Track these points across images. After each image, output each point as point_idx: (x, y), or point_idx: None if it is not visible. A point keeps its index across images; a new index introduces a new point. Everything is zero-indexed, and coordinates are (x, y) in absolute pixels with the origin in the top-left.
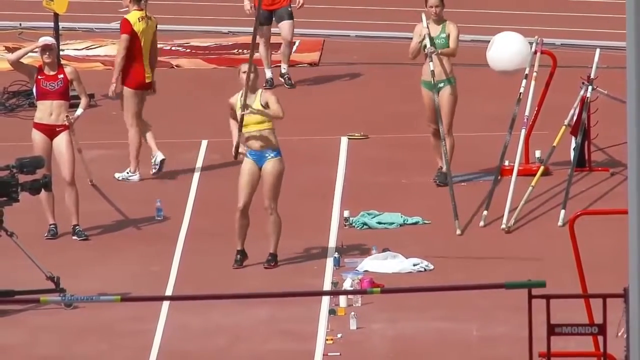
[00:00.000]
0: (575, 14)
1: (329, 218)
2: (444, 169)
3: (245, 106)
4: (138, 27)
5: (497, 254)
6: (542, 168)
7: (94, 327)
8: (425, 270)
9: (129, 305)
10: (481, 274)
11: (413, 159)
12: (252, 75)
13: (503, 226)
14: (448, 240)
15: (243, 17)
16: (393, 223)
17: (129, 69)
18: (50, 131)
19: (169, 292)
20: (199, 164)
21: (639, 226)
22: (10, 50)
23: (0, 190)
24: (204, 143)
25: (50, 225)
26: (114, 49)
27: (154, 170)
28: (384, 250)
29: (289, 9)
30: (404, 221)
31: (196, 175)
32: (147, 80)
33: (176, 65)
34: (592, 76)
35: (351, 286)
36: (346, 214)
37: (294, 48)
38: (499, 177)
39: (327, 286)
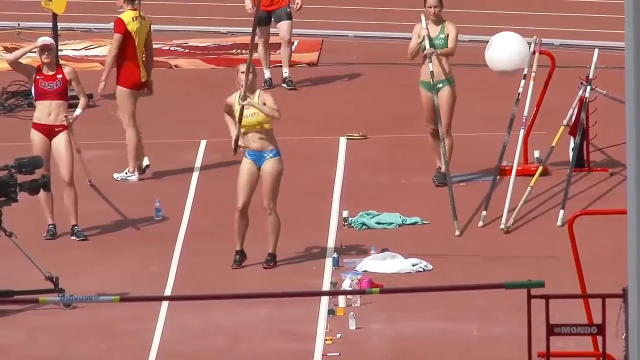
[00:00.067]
0: (573, 14)
1: (328, 218)
2: (443, 169)
3: (245, 97)
4: (132, 26)
5: (496, 254)
6: (540, 168)
7: (93, 327)
8: (424, 270)
9: (128, 306)
10: (480, 274)
11: (412, 159)
12: (250, 75)
13: (502, 226)
14: (447, 240)
15: (242, 17)
16: (392, 223)
17: (123, 69)
18: (49, 131)
19: (168, 292)
20: (198, 164)
21: (638, 226)
22: (8, 50)
23: None
24: (203, 143)
25: (49, 225)
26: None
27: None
28: (382, 251)
29: (288, 9)
30: (402, 221)
31: (195, 176)
32: (143, 80)
33: (175, 66)
34: (590, 76)
35: (350, 286)
36: (345, 214)
37: (293, 48)
38: (498, 177)
39: (326, 286)
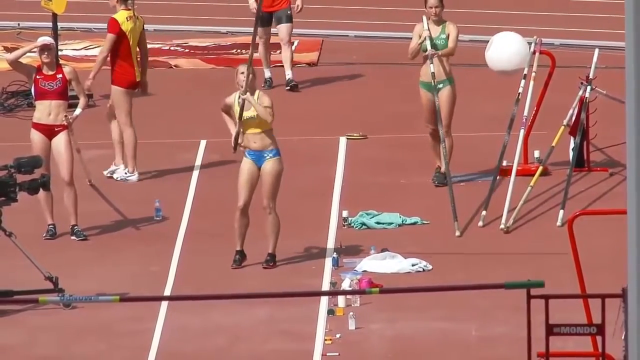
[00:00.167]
0: (574, 14)
1: (328, 218)
2: (443, 169)
3: (245, 90)
4: (126, 26)
5: (496, 254)
6: (540, 168)
7: (92, 327)
8: (424, 270)
9: (127, 306)
10: (480, 274)
11: (412, 159)
12: (250, 76)
13: (502, 226)
14: (447, 240)
15: (242, 17)
16: (392, 223)
17: (118, 69)
18: (49, 131)
19: (167, 292)
20: (198, 164)
21: (638, 226)
22: (8, 50)
23: None
24: (203, 143)
25: (48, 225)
26: None
27: (106, 172)
28: (382, 251)
29: (288, 11)
30: (402, 221)
31: (195, 175)
32: (137, 79)
33: (175, 65)
34: (590, 76)
35: (350, 286)
36: (345, 214)
37: (293, 49)
38: (498, 177)
39: (325, 286)
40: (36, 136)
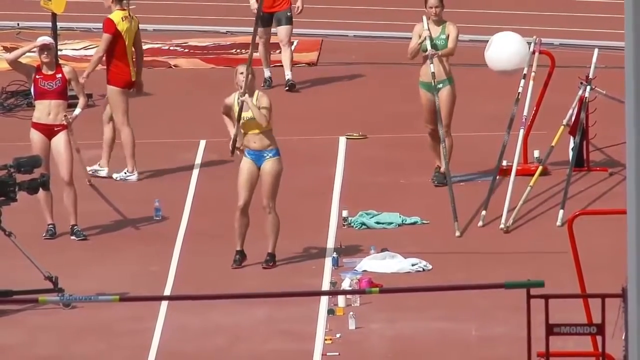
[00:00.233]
0: (573, 14)
1: (328, 218)
2: (443, 169)
3: (244, 92)
4: (122, 26)
5: (496, 253)
6: (540, 168)
7: (92, 327)
8: (423, 270)
9: (127, 305)
10: (480, 273)
11: (411, 158)
12: (249, 76)
13: (502, 226)
14: (447, 240)
15: (241, 17)
16: (391, 223)
17: (114, 69)
18: (49, 131)
19: (167, 292)
20: (198, 163)
21: (638, 226)
22: (8, 50)
23: None
24: (202, 143)
25: (48, 225)
26: None
27: (89, 168)
28: (382, 250)
29: (288, 13)
30: (402, 221)
31: (194, 175)
32: (133, 79)
33: (174, 65)
34: (590, 76)
35: (350, 286)
36: (345, 213)
37: (292, 48)
38: (498, 177)
39: (325, 286)
40: (36, 136)
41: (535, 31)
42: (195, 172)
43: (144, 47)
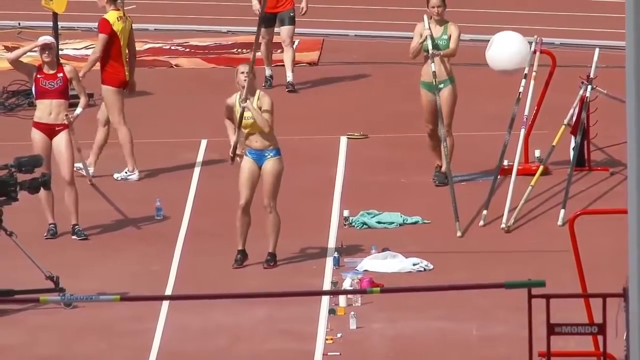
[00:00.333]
0: (574, 14)
1: (329, 217)
2: (443, 169)
3: (246, 97)
4: (117, 26)
5: (497, 253)
6: (541, 167)
7: (93, 327)
8: (424, 270)
9: (128, 305)
10: (481, 273)
11: (412, 158)
12: (250, 76)
13: (503, 225)
14: (448, 239)
15: (242, 17)
16: (393, 222)
17: (109, 68)
18: (50, 130)
19: (168, 291)
20: (199, 163)
21: (639, 226)
22: (9, 49)
23: None
24: (204, 142)
25: (49, 224)
26: None
27: (76, 164)
28: (383, 250)
29: (291, 13)
30: (403, 221)
31: (196, 175)
32: (127, 79)
33: (175, 65)
34: (591, 75)
35: (351, 286)
36: (346, 213)
37: (294, 48)
38: (499, 177)
39: (326, 286)
40: (37, 135)
41: (536, 31)
42: (197, 172)
43: (145, 46)
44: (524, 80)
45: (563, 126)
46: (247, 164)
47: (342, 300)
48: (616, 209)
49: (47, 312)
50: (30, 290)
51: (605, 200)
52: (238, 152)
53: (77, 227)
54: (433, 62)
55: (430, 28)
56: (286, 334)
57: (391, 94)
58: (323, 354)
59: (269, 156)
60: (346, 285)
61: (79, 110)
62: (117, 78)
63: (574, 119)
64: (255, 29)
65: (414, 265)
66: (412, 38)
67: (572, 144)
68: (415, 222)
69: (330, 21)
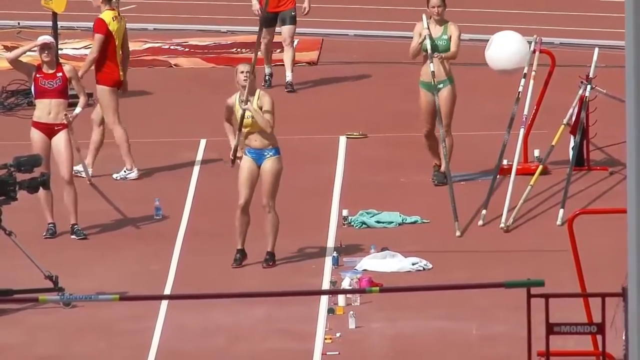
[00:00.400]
0: (574, 13)
1: (328, 217)
2: (442, 169)
3: (247, 100)
4: (113, 26)
5: (496, 252)
6: (540, 167)
7: (92, 326)
8: (424, 269)
9: (127, 305)
10: (480, 273)
11: (412, 158)
12: (249, 75)
13: (502, 225)
14: (447, 239)
15: (242, 17)
16: (392, 222)
17: (104, 68)
18: (49, 130)
19: (167, 291)
20: (198, 163)
21: (638, 225)
22: (8, 49)
23: None
24: (203, 142)
25: (48, 224)
26: None
27: (75, 167)
28: (382, 249)
29: (293, 13)
30: (402, 220)
31: (195, 174)
32: (122, 79)
33: (175, 64)
34: (590, 75)
35: (350, 285)
36: (345, 213)
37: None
38: (498, 176)
39: (325, 285)
40: (36, 135)
41: (536, 30)
42: (196, 171)
43: (144, 46)
44: (523, 80)
45: (562, 126)
46: (246, 163)
47: (341, 299)
48: (615, 208)
49: (46, 312)
50: (29, 289)
51: (605, 199)
52: (238, 154)
53: (76, 226)
54: (432, 62)
55: (429, 28)
56: (285, 334)
57: (390, 93)
58: (322, 354)
59: (268, 155)
60: (345, 284)
61: (78, 109)
62: (112, 78)
63: (574, 118)
64: (255, 28)
65: (413, 264)
66: (411, 38)
67: (572, 144)
68: (415, 222)
69: (329, 21)
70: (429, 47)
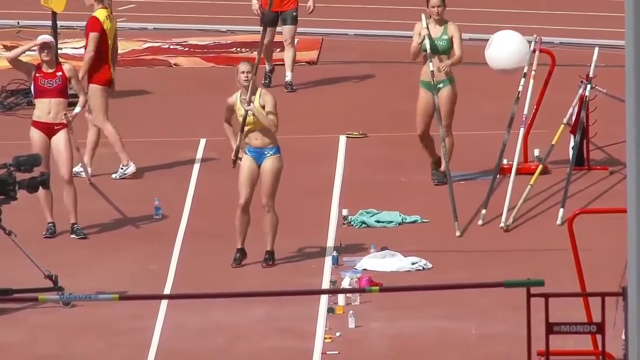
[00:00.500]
0: (573, 13)
1: (328, 216)
2: (443, 168)
3: (249, 101)
4: (106, 25)
5: (496, 252)
6: (540, 167)
7: (92, 326)
8: (423, 268)
9: (127, 304)
10: (480, 272)
11: (411, 157)
12: (250, 75)
13: (502, 225)
14: (447, 238)
15: (242, 16)
16: (392, 222)
17: (97, 67)
18: (49, 129)
19: (167, 290)
20: (198, 162)
21: (638, 225)
22: (8, 48)
23: None
24: (203, 141)
25: (48, 223)
26: None
27: (75, 168)
28: (382, 249)
29: (294, 13)
30: (402, 220)
31: (194, 174)
32: (113, 77)
33: (174, 64)
34: (590, 75)
35: (350, 285)
36: (345, 212)
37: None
38: (498, 176)
39: (325, 285)
40: (36, 134)
41: (536, 30)
42: (195, 171)
43: (144, 45)
44: (523, 79)
45: (562, 125)
46: (246, 162)
47: (341, 299)
48: (615, 208)
49: (46, 311)
50: (29, 289)
51: (605, 199)
52: (240, 155)
53: (76, 226)
54: (431, 61)
55: (428, 28)
56: (285, 333)
57: (390, 93)
58: (322, 353)
59: (268, 154)
60: (345, 284)
61: (77, 109)
62: (104, 77)
63: (574, 118)
64: (254, 28)
65: (412, 264)
66: (411, 37)
67: (572, 143)
68: (414, 221)
69: (329, 20)
70: (428, 47)
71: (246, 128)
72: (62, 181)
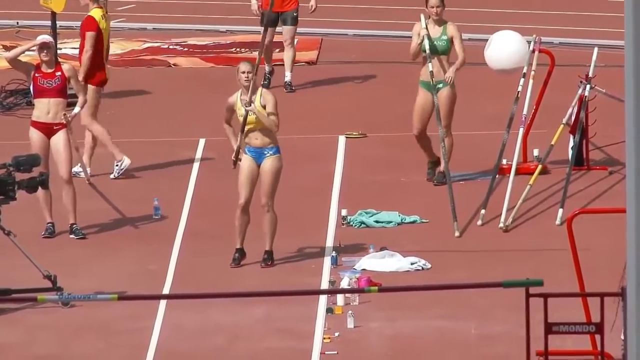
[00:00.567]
0: (573, 13)
1: (327, 217)
2: (442, 168)
3: (250, 101)
4: (102, 24)
5: (495, 252)
6: (540, 167)
7: (91, 326)
8: (422, 269)
9: (126, 304)
10: (479, 272)
11: (411, 157)
12: (250, 75)
13: (501, 225)
14: (446, 239)
15: (241, 16)
16: (391, 222)
17: (92, 67)
18: (48, 129)
19: (166, 290)
20: (197, 162)
21: (637, 225)
22: (7, 48)
23: None
24: (202, 141)
25: (47, 223)
26: (112, 48)
27: (74, 168)
28: (381, 249)
29: (295, 13)
30: (401, 220)
31: (194, 174)
32: (106, 77)
33: (174, 64)
34: (590, 75)
35: (349, 285)
36: (344, 212)
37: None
38: (497, 176)
39: (324, 285)
40: (35, 134)
41: (535, 30)
42: (195, 171)
43: (143, 45)
44: (522, 80)
45: (562, 125)
46: (246, 162)
47: (340, 299)
48: (614, 208)
49: (45, 311)
50: (28, 289)
51: (604, 199)
52: (240, 156)
53: (75, 226)
54: (430, 62)
55: (427, 28)
56: (284, 333)
57: (390, 93)
58: (320, 353)
59: (268, 154)
60: (344, 284)
61: (77, 109)
62: (98, 77)
63: (573, 118)
64: (253, 28)
65: (411, 264)
66: (410, 37)
67: (571, 143)
68: (414, 222)
69: (328, 20)
70: (427, 47)
71: (246, 128)
72: (61, 181)
